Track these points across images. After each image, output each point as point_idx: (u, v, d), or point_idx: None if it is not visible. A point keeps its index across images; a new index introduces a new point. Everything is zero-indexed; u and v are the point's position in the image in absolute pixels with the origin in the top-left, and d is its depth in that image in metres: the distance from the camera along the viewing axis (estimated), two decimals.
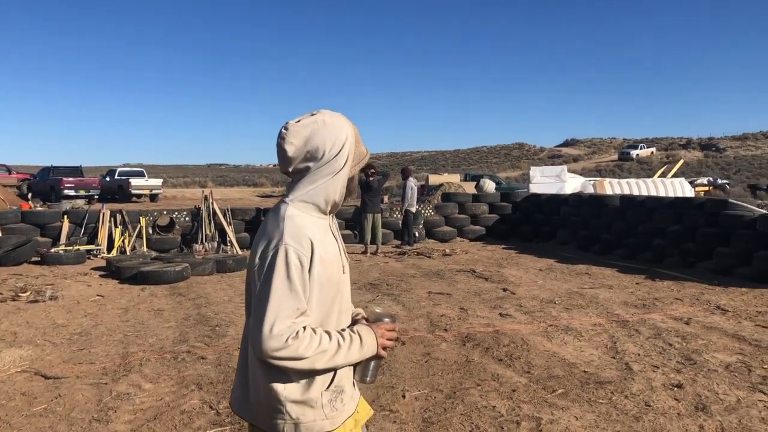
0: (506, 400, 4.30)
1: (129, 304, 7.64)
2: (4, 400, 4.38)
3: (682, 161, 38.75)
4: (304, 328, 1.64)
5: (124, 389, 4.58)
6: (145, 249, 12.19)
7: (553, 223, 14.57)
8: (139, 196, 28.80)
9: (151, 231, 12.70)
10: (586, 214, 13.37)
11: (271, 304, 1.61)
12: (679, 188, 19.69)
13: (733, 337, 5.90)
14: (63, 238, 12.04)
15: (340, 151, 1.76)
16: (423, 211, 14.73)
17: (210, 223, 12.84)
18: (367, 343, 1.76)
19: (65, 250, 11.50)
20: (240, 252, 12.04)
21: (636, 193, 17.63)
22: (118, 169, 31.40)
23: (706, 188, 29.69)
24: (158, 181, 30.70)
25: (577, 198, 14.36)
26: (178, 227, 12.92)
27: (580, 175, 29.24)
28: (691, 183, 24.60)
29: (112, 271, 9.92)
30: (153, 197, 29.22)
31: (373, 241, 12.43)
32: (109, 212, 12.56)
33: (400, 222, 13.90)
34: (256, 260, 1.70)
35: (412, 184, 13.56)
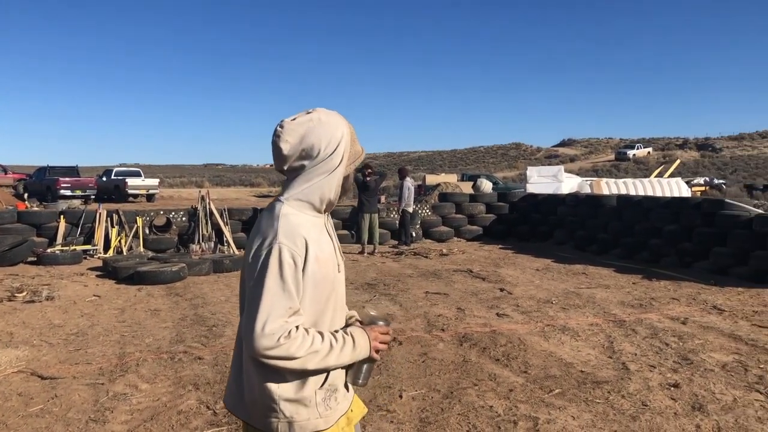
0: (503, 400, 4.31)
1: (126, 305, 7.63)
2: (1, 401, 4.36)
3: (678, 161, 38.87)
4: (297, 327, 1.63)
5: (120, 389, 4.57)
6: (141, 249, 12.17)
7: (550, 223, 14.58)
8: (135, 196, 28.75)
9: (147, 231, 12.67)
10: (582, 214, 13.38)
11: (264, 302, 1.61)
12: (676, 188, 19.73)
13: (730, 336, 5.91)
14: (59, 238, 12.01)
15: (335, 150, 1.76)
16: (420, 211, 14.74)
17: (207, 223, 12.83)
18: (359, 345, 1.76)
19: (62, 251, 11.48)
20: (237, 252, 12.04)
21: (633, 193, 17.66)
22: (115, 169, 31.34)
23: (703, 188, 29.77)
24: (155, 181, 30.66)
25: (574, 198, 14.38)
26: (174, 227, 12.90)
27: (577, 175, 29.27)
28: (687, 183, 24.67)
29: (108, 271, 9.90)
30: (150, 197, 29.17)
31: (370, 241, 12.43)
32: (105, 212, 12.54)
33: (397, 222, 13.89)
34: (250, 258, 1.70)
35: (409, 184, 13.56)
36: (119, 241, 12.21)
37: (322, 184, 1.76)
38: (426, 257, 11.86)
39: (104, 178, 29.80)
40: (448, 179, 27.55)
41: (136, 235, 12.40)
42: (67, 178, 26.50)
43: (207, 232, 12.74)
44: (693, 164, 56.02)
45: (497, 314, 6.95)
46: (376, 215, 12.56)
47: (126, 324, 6.63)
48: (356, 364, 1.80)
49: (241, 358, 1.75)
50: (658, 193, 18.09)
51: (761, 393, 4.41)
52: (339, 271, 1.83)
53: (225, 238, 12.65)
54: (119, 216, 12.58)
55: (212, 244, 12.43)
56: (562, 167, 23.02)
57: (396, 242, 13.74)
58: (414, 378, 4.80)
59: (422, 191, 23.58)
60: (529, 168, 21.94)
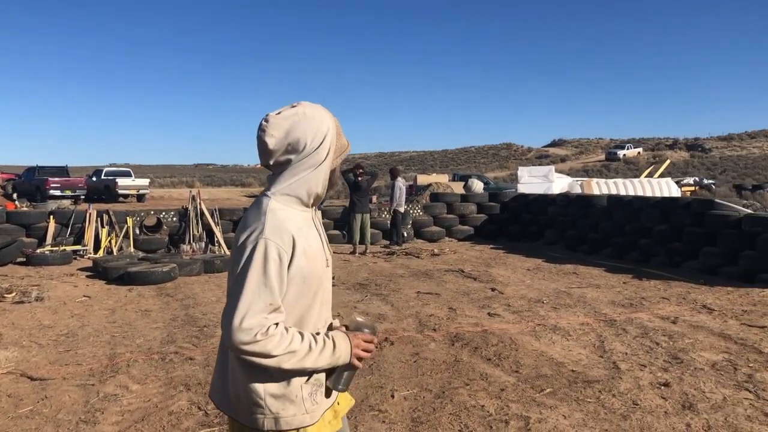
0: (495, 400, 4.31)
1: (116, 305, 7.59)
2: None
3: (668, 161, 39.06)
4: (276, 325, 1.62)
5: (111, 390, 4.55)
6: (132, 249, 12.11)
7: (540, 223, 14.62)
8: (125, 196, 28.65)
9: (138, 231, 12.62)
10: (573, 214, 13.43)
11: (244, 297, 1.59)
12: (666, 188, 19.84)
13: (720, 335, 5.95)
14: (49, 239, 11.94)
15: (321, 143, 1.75)
16: (411, 211, 14.75)
17: (197, 224, 12.79)
18: (340, 350, 1.73)
19: (51, 251, 11.41)
20: (228, 252, 12.00)
21: (623, 193, 17.76)
22: (105, 169, 31.22)
23: (693, 188, 29.96)
24: (145, 181, 30.57)
25: (565, 198, 14.43)
26: (165, 227, 12.85)
27: (568, 175, 29.40)
28: (677, 183, 24.80)
29: (98, 271, 9.85)
30: (140, 197, 29.08)
31: (362, 241, 12.43)
32: (95, 212, 12.47)
33: (389, 222, 13.91)
34: (234, 252, 1.69)
35: (401, 184, 13.57)
36: (109, 242, 12.15)
37: (309, 178, 1.74)
38: (417, 257, 11.86)
39: (94, 178, 29.67)
40: (439, 179, 27.56)
41: (126, 236, 12.34)
42: (56, 178, 26.38)
43: (198, 232, 12.70)
44: (683, 164, 56.35)
45: (488, 314, 6.96)
46: (368, 215, 12.56)
47: (116, 325, 6.60)
48: (337, 370, 1.78)
49: (227, 353, 1.74)
50: (648, 193, 18.19)
51: (750, 392, 4.44)
52: (327, 266, 1.83)
53: (216, 239, 12.61)
54: (109, 216, 12.52)
55: (203, 245, 12.39)
56: (552, 167, 23.11)
57: (387, 242, 13.75)
58: (406, 378, 4.80)
59: (414, 191, 23.59)
60: (520, 168, 22.01)
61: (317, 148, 1.74)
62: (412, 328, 6.34)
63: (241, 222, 1.77)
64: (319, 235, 1.82)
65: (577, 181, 21.44)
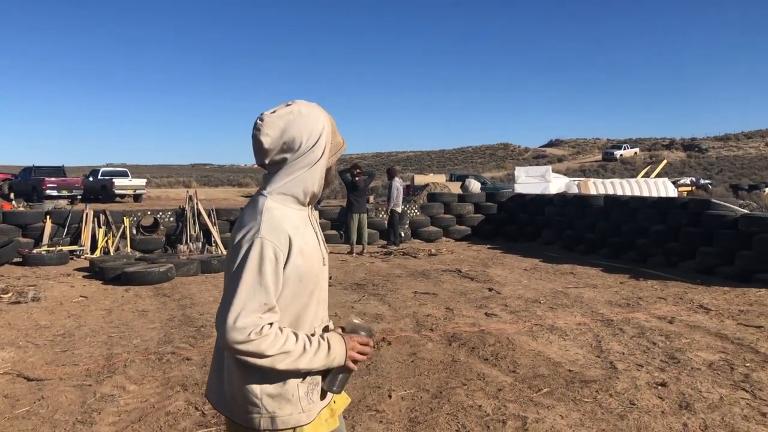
0: (492, 400, 4.32)
1: (113, 305, 7.58)
2: None
3: (665, 161, 39.12)
4: (271, 325, 1.61)
5: (108, 391, 4.54)
6: (129, 249, 12.10)
7: (537, 223, 14.64)
8: (122, 196, 28.57)
9: (135, 231, 12.61)
10: (570, 214, 13.44)
11: (239, 295, 1.58)
12: (663, 188, 19.87)
13: (716, 335, 5.96)
14: (45, 239, 11.93)
15: (317, 142, 1.74)
16: (408, 211, 14.76)
17: (195, 224, 12.78)
18: (335, 351, 1.72)
19: (48, 251, 11.39)
20: (225, 252, 11.99)
21: (620, 193, 17.77)
22: (102, 169, 31.13)
23: (689, 188, 30.04)
24: (142, 181, 30.49)
25: (562, 198, 14.45)
26: (162, 227, 12.84)
27: (565, 175, 29.41)
28: (674, 183, 24.83)
29: (95, 271, 9.84)
30: (137, 197, 29.01)
31: (359, 241, 12.43)
32: (92, 212, 12.45)
33: (386, 222, 13.91)
34: (230, 251, 1.69)
35: (398, 184, 13.57)
36: (106, 242, 12.13)
37: (305, 177, 1.74)
38: (415, 257, 11.87)
39: (91, 178, 29.59)
40: (436, 179, 27.60)
41: (123, 236, 12.33)
42: (53, 178, 26.33)
43: (195, 232, 12.69)
44: (679, 164, 56.48)
45: (486, 314, 6.97)
46: (365, 215, 12.56)
47: (113, 325, 6.59)
48: (332, 371, 1.77)
49: (223, 353, 1.73)
50: (645, 193, 18.22)
51: (747, 391, 4.44)
52: (323, 265, 1.82)
53: (213, 239, 12.61)
54: (106, 216, 12.50)
55: (200, 245, 12.38)
56: (549, 167, 23.12)
57: (385, 242, 13.75)
58: (403, 378, 4.80)
59: (411, 191, 23.59)
60: (517, 168, 22.03)
61: (313, 147, 1.74)
62: (410, 328, 6.34)
63: (237, 221, 1.76)
64: (316, 233, 1.82)
65: (574, 181, 21.46)
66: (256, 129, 1.72)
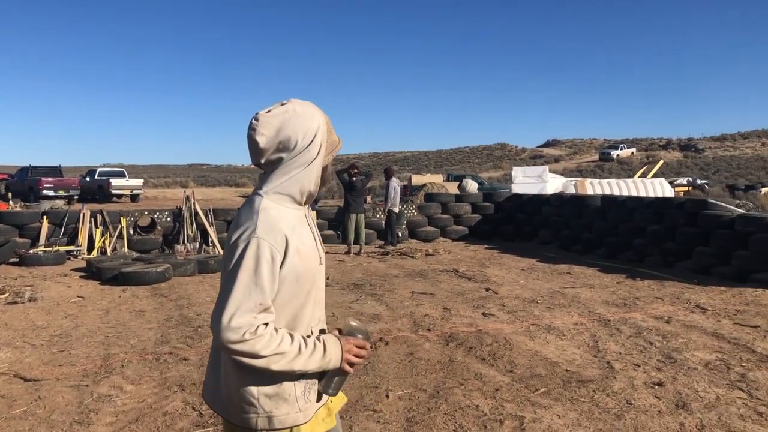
0: (489, 399, 4.32)
1: (110, 305, 7.57)
2: None
3: (662, 162, 39.15)
4: (266, 325, 1.60)
5: (105, 391, 4.54)
6: (126, 250, 12.09)
7: (534, 223, 14.65)
8: (119, 196, 28.55)
9: (132, 231, 12.59)
10: (567, 214, 13.46)
11: (234, 295, 1.58)
12: (659, 188, 19.89)
13: (713, 335, 5.97)
14: (42, 239, 11.90)
15: (312, 141, 1.74)
16: (406, 212, 14.76)
17: (192, 224, 12.76)
18: (330, 354, 1.71)
19: (45, 251, 11.37)
20: (222, 252, 11.97)
21: (617, 193, 17.79)
22: (98, 169, 31.11)
23: (686, 188, 30.08)
24: (139, 182, 30.47)
25: (559, 198, 14.46)
26: (159, 228, 12.83)
27: (562, 175, 29.44)
28: (670, 183, 24.88)
29: (92, 272, 9.82)
30: (134, 197, 28.99)
31: (356, 242, 12.42)
32: (89, 212, 12.43)
33: (383, 222, 13.91)
34: (226, 250, 1.68)
35: (395, 184, 13.58)
36: (103, 242, 12.11)
37: (301, 177, 1.73)
38: (412, 257, 11.87)
39: (88, 178, 29.55)
40: (433, 179, 27.54)
41: (120, 236, 12.31)
42: (49, 178, 26.29)
43: (192, 232, 12.68)
44: (676, 164, 56.55)
45: (483, 314, 6.97)
46: (363, 215, 12.56)
47: (110, 325, 6.58)
48: (328, 374, 1.75)
49: (219, 353, 1.73)
50: (642, 194, 18.23)
51: (743, 391, 4.46)
52: (320, 264, 1.82)
53: (210, 239, 12.59)
54: (103, 216, 12.48)
55: (197, 245, 12.37)
56: (546, 167, 23.13)
57: (382, 242, 13.76)
58: (400, 378, 4.80)
59: (408, 191, 23.58)
60: (515, 168, 22.02)
61: (308, 146, 1.73)
62: (407, 328, 6.35)
63: (233, 221, 1.76)
64: (312, 233, 1.82)
65: (571, 181, 21.49)
66: (252, 129, 1.71)
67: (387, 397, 4.39)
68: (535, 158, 72.69)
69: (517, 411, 4.10)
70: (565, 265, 10.71)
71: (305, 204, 1.81)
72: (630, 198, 12.81)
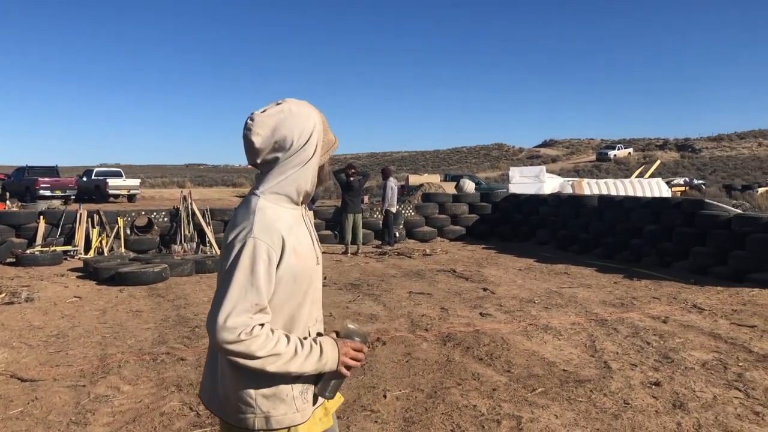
0: (487, 399, 4.32)
1: (107, 306, 7.56)
2: None
3: (658, 162, 39.26)
4: (262, 326, 1.59)
5: (102, 391, 4.53)
6: (123, 250, 12.06)
7: (532, 223, 14.66)
8: (116, 196, 28.52)
9: (129, 231, 12.57)
10: (564, 214, 13.47)
11: (230, 295, 1.57)
12: (656, 188, 19.94)
13: (710, 335, 5.98)
14: (39, 239, 11.87)
15: (308, 140, 1.73)
16: (403, 212, 14.76)
17: (189, 224, 12.75)
18: (327, 356, 1.70)
19: (41, 251, 11.34)
20: (219, 252, 11.94)
21: (614, 193, 17.83)
22: (95, 169, 31.09)
23: (683, 188, 30.09)
24: (136, 182, 30.44)
25: (556, 198, 14.47)
26: (156, 228, 12.81)
27: (559, 175, 29.50)
28: (667, 183, 24.93)
29: (89, 272, 9.81)
30: (131, 197, 28.95)
31: (354, 242, 12.42)
32: (86, 213, 12.41)
33: (381, 222, 13.91)
34: (223, 251, 1.68)
35: (393, 184, 13.58)
36: (100, 242, 12.09)
37: (298, 176, 1.73)
38: (409, 257, 11.87)
39: (84, 179, 29.52)
40: (431, 179, 27.55)
41: (117, 236, 12.29)
42: (46, 178, 26.25)
43: (189, 232, 12.67)
44: (673, 165, 56.63)
45: (480, 314, 6.98)
46: (360, 215, 12.56)
47: (107, 325, 6.57)
48: (324, 377, 1.74)
49: (216, 353, 1.72)
50: (639, 194, 18.27)
51: (740, 390, 4.46)
52: (317, 264, 1.82)
53: (207, 239, 12.58)
54: (100, 216, 12.46)
55: (194, 245, 12.35)
56: (544, 168, 23.17)
57: (379, 242, 13.75)
58: (398, 378, 4.80)
59: (405, 191, 23.59)
60: (512, 168, 22.07)
61: (304, 145, 1.73)
62: (404, 328, 6.35)
63: (230, 221, 1.75)
64: (309, 233, 1.81)
65: (568, 181, 21.53)
66: (247, 129, 1.71)
67: (384, 397, 4.39)
68: (532, 158, 72.76)
69: (514, 411, 4.11)
70: (563, 265, 10.72)
71: (302, 204, 1.80)
72: (627, 198, 12.83)
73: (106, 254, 11.69)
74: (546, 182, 19.64)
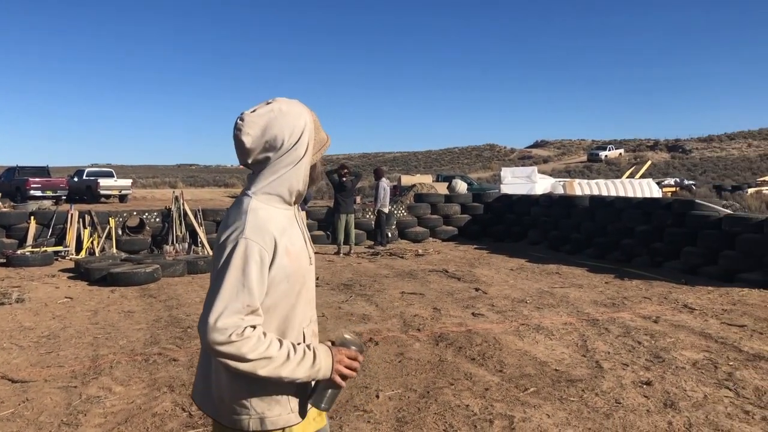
0: (479, 399, 4.34)
1: (98, 306, 7.53)
2: None
3: (649, 162, 39.44)
4: (253, 327, 1.58)
5: (94, 392, 4.51)
6: (114, 250, 12.02)
7: (523, 224, 14.70)
8: (108, 196, 28.39)
9: (120, 232, 12.52)
10: (556, 215, 13.52)
11: (222, 296, 1.56)
12: (647, 189, 20.00)
13: (700, 334, 6.02)
14: (30, 240, 11.81)
15: (299, 139, 1.72)
16: (396, 212, 14.77)
17: (181, 224, 12.71)
18: (320, 363, 1.66)
19: (32, 252, 11.28)
20: (211, 253, 11.92)
21: (605, 193, 17.87)
22: (87, 170, 30.95)
23: (673, 189, 30.22)
24: (127, 182, 30.31)
25: (548, 198, 14.51)
26: (148, 228, 12.76)
27: (550, 175, 29.57)
28: (658, 184, 25.02)
29: (80, 272, 9.76)
30: (122, 198, 28.84)
31: (346, 242, 12.42)
32: (77, 213, 12.35)
33: (373, 222, 13.92)
34: (215, 251, 1.67)
35: (385, 184, 13.58)
36: (91, 243, 12.04)
37: (290, 176, 1.72)
38: (402, 257, 11.88)
39: (76, 179, 29.38)
40: (423, 180, 27.54)
41: (108, 237, 12.24)
42: (37, 179, 26.10)
43: (181, 233, 12.63)
44: (663, 165, 56.91)
45: (473, 314, 6.99)
46: (352, 216, 12.56)
47: (99, 326, 6.55)
48: (319, 386, 1.71)
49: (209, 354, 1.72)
50: (630, 194, 18.33)
51: (730, 390, 4.50)
52: (310, 264, 1.81)
53: (199, 239, 12.55)
54: (91, 217, 12.40)
55: (186, 245, 12.33)
56: (535, 168, 23.19)
57: (372, 243, 13.76)
58: (390, 378, 4.81)
59: (398, 192, 23.59)
60: (503, 169, 22.09)
61: (295, 145, 1.72)
62: (397, 329, 6.35)
63: (222, 222, 1.74)
64: (302, 233, 1.80)
65: (559, 181, 21.57)
66: (237, 129, 1.70)
67: (377, 397, 4.40)
68: (523, 159, 72.89)
69: (506, 410, 4.12)
70: (554, 265, 10.76)
71: (295, 203, 1.79)
72: (618, 198, 12.88)
73: (97, 255, 11.64)
74: (537, 183, 19.66)
